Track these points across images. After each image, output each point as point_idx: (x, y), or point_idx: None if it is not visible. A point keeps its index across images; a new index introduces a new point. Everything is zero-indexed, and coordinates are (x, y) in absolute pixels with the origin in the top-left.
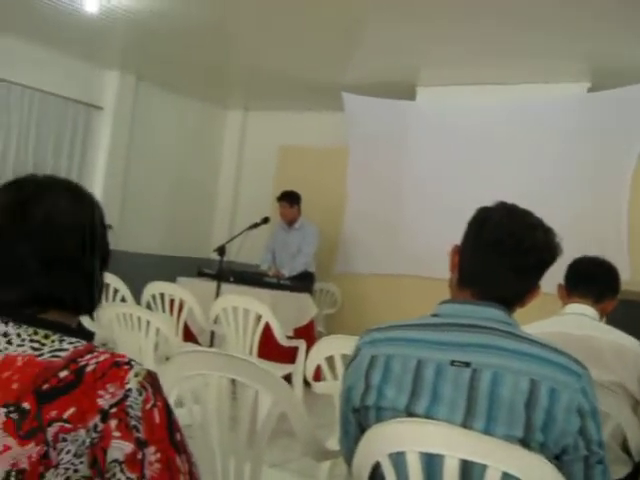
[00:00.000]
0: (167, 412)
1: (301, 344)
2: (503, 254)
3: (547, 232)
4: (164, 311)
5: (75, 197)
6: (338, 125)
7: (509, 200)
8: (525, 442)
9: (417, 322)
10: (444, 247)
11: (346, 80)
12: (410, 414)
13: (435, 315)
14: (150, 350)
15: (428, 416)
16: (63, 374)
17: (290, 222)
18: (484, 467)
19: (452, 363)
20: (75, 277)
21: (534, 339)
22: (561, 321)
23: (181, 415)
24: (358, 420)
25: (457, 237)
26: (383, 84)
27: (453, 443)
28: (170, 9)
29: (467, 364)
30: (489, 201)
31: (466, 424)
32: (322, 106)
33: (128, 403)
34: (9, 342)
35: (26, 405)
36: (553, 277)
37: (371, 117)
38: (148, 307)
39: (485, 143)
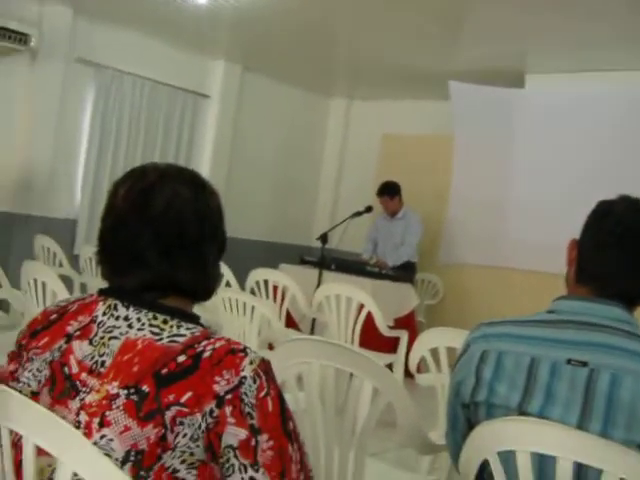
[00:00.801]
0: (280, 400)
1: (403, 334)
2: (625, 250)
3: None
4: (267, 297)
5: (195, 186)
6: (442, 113)
7: (624, 191)
8: None
9: (531, 318)
10: (555, 240)
11: (451, 68)
12: (522, 413)
13: (551, 312)
14: (254, 335)
15: (542, 416)
16: (181, 359)
17: (393, 213)
18: (600, 472)
19: (568, 362)
20: (194, 264)
21: None
22: None
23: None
24: (467, 415)
25: (567, 230)
26: (490, 72)
27: (568, 445)
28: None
29: (584, 363)
30: (601, 192)
31: (582, 426)
32: (426, 94)
33: (243, 390)
34: (130, 326)
35: (145, 388)
36: None
37: (479, 105)
38: (252, 293)
39: (597, 132)
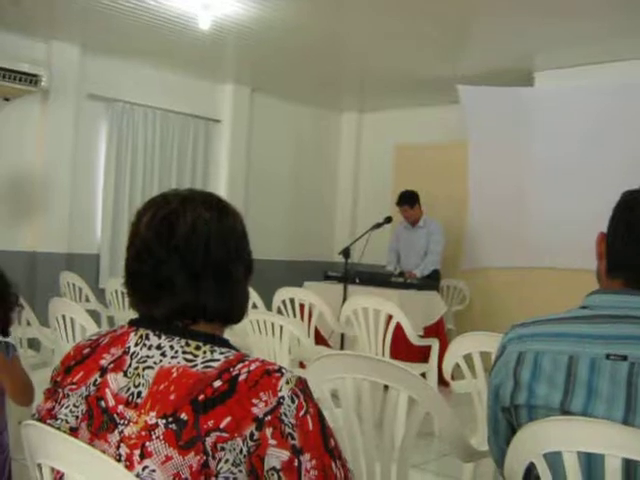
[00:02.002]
0: (320, 418)
1: (434, 343)
2: None
3: None
4: (294, 316)
5: (218, 209)
6: (453, 118)
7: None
8: None
9: (565, 315)
10: (575, 235)
11: (459, 72)
12: (565, 412)
13: (584, 307)
14: (285, 354)
15: (585, 414)
16: (217, 384)
17: (414, 222)
18: None
19: (607, 357)
20: (222, 287)
21: None
22: None
23: None
24: (508, 419)
25: (590, 223)
26: (498, 73)
27: (615, 442)
28: (279, 19)
29: (624, 357)
30: (620, 184)
31: (627, 421)
32: (436, 101)
33: (282, 411)
34: (163, 354)
35: (184, 416)
36: None
37: (489, 106)
38: (279, 312)
39: (612, 122)
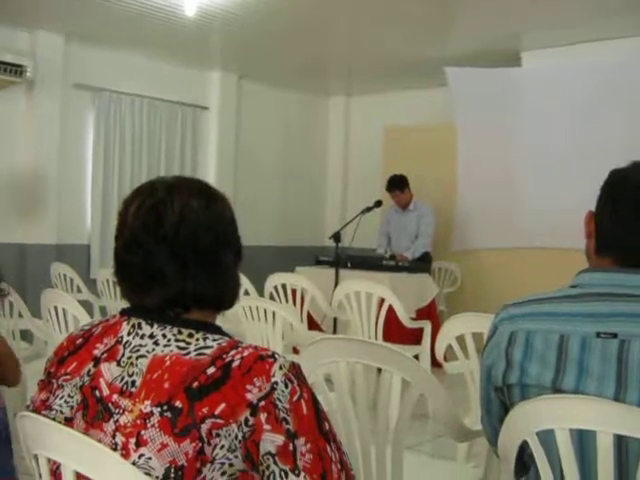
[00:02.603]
0: (314, 402)
1: (426, 325)
2: None
3: None
4: (287, 301)
5: (205, 195)
6: (442, 101)
7: (635, 157)
8: None
9: (556, 295)
10: (566, 215)
11: (446, 54)
12: (557, 390)
13: (574, 286)
14: (278, 340)
15: (577, 391)
16: (210, 371)
17: (405, 206)
18: None
19: (598, 335)
20: (213, 274)
21: None
22: None
23: None
24: (501, 399)
25: (578, 204)
26: (485, 54)
27: (607, 418)
28: (263, 3)
29: (614, 335)
30: (610, 164)
31: (618, 398)
32: (424, 83)
33: (276, 396)
34: (156, 343)
35: (178, 403)
36: None
37: (477, 88)
38: (271, 298)
39: (601, 101)
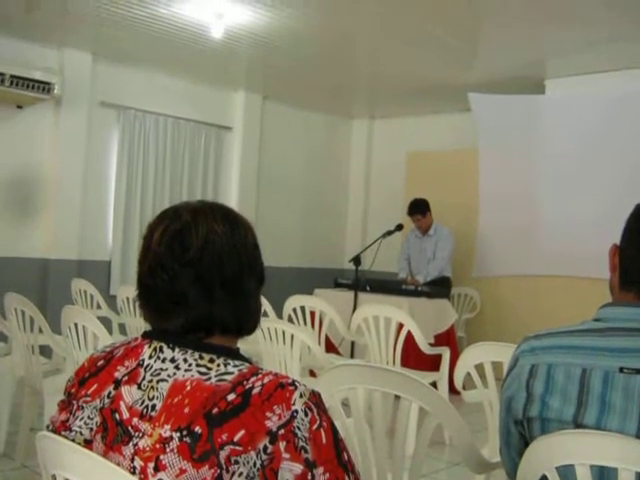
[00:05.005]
0: (333, 432)
1: (445, 351)
2: None
3: None
4: (305, 323)
5: (229, 221)
6: (465, 126)
7: None
8: None
9: (578, 328)
10: (587, 244)
11: (470, 80)
12: (579, 425)
13: (597, 320)
14: (296, 363)
15: (598, 427)
16: (231, 397)
17: (425, 230)
18: None
19: (621, 370)
20: (235, 300)
21: None
22: None
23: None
24: (520, 432)
25: (599, 234)
26: (509, 81)
27: (629, 455)
28: (291, 27)
29: (637, 371)
30: (633, 192)
31: None
32: (447, 108)
33: (295, 424)
34: (177, 367)
35: (198, 429)
36: None
37: (500, 114)
38: (289, 320)
39: (625, 129)
